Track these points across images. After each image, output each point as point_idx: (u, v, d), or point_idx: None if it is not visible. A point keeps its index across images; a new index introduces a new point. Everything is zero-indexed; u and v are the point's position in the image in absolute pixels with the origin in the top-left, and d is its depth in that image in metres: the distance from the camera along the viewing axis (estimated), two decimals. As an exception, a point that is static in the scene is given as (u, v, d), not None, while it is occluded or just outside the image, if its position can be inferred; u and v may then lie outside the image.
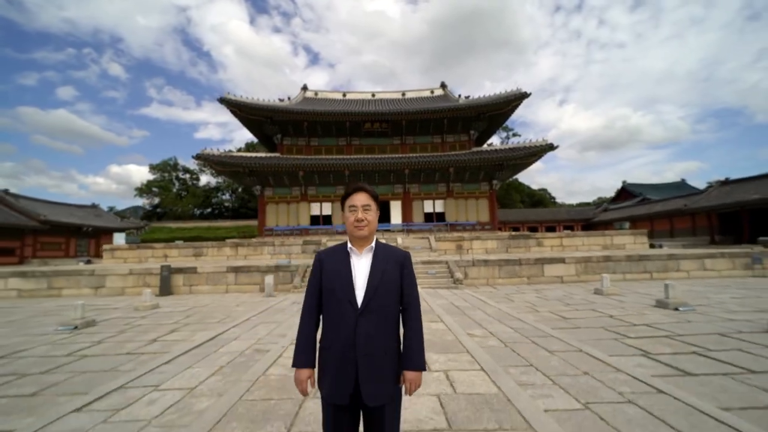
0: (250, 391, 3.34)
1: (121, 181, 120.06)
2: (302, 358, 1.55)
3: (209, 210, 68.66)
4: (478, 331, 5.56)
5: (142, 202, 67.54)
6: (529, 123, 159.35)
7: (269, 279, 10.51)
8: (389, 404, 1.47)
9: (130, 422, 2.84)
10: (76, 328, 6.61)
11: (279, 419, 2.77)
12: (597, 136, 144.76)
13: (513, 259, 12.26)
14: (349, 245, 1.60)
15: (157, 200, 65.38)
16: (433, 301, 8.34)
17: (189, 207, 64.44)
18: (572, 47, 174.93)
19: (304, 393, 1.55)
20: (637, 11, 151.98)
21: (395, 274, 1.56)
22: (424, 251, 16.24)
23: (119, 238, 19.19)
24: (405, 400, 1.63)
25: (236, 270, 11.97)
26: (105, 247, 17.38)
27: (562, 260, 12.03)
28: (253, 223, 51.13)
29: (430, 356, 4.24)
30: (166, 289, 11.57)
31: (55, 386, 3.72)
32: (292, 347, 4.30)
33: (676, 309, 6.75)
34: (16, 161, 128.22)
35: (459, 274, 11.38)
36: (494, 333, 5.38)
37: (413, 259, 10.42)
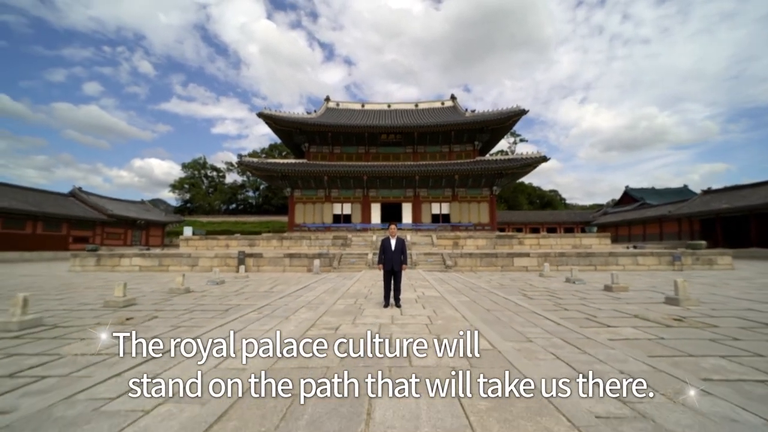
0: (344, 295, 7.96)
1: (143, 174, 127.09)
2: (380, 261, 6.31)
3: (234, 206, 74.76)
4: (446, 285, 10.08)
5: (167, 195, 73.95)
6: (549, 122, 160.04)
7: (317, 262, 15.21)
8: (399, 271, 6.26)
9: (306, 299, 7.49)
10: (217, 283, 11.43)
11: (360, 297, 7.35)
12: (619, 135, 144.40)
13: (491, 252, 16.63)
14: (389, 236, 6.36)
15: (188, 195, 71.68)
16: (428, 276, 12.86)
17: (216, 203, 70.73)
18: (594, 43, 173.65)
19: (380, 269, 6.34)
20: (664, 5, 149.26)
21: (401, 246, 6.28)
22: (427, 246, 20.74)
23: (188, 231, 24.38)
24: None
25: (290, 256, 16.77)
26: (180, 237, 22.52)
27: (527, 254, 16.33)
28: (277, 218, 56.64)
29: (417, 289, 8.80)
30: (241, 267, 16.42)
31: (251, 297, 8.42)
32: (353, 288, 9.49)
33: (573, 283, 11.08)
34: (48, 155, 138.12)
35: (450, 262, 15.85)
36: (454, 287, 9.89)
37: (417, 251, 15.81)
